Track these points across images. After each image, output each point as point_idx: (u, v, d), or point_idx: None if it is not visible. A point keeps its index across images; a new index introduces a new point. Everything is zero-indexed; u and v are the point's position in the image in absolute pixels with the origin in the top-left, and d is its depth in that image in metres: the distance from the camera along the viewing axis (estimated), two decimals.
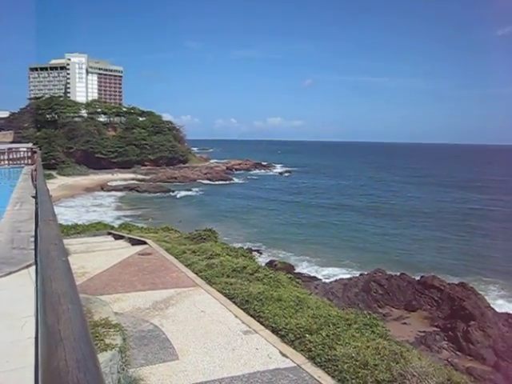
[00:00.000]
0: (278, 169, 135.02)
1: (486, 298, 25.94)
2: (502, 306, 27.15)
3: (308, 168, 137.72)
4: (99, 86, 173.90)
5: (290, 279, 10.82)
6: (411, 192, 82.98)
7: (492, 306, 25.11)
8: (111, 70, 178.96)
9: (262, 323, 7.64)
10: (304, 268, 34.40)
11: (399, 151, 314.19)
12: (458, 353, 21.09)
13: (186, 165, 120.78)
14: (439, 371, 5.82)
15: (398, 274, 29.31)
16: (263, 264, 21.31)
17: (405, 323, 24.07)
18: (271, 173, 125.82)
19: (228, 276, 10.07)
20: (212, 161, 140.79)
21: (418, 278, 28.43)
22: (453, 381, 5.62)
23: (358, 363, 6.02)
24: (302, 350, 6.67)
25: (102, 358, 4.63)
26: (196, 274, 10.57)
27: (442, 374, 5.76)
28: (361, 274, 29.32)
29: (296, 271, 31.47)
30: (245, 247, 26.71)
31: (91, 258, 11.97)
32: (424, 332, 22.73)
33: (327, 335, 6.80)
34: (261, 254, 37.48)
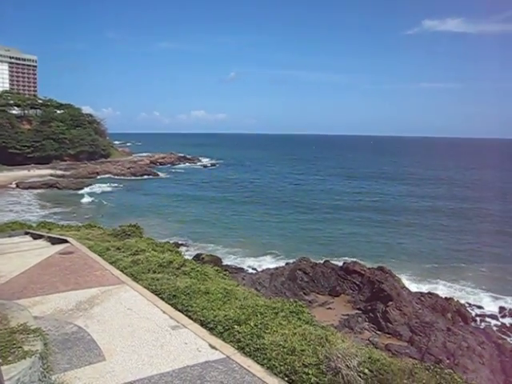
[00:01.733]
0: (203, 162, 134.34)
1: (401, 279, 27.78)
2: (415, 286, 29.21)
3: (232, 160, 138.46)
4: (11, 75, 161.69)
5: (217, 272, 10.84)
6: (332, 184, 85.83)
7: (407, 286, 26.96)
8: (24, 59, 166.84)
9: (190, 317, 7.61)
10: (232, 260, 34.68)
11: (318, 143, 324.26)
12: (378, 332, 22.38)
13: (108, 159, 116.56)
14: (361, 351, 6.15)
15: (322, 261, 30.48)
16: (190, 258, 21.20)
17: (329, 308, 25.11)
18: (196, 166, 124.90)
19: (154, 272, 9.91)
20: (135, 155, 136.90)
21: (340, 264, 29.71)
22: (373, 358, 5.96)
23: (285, 350, 6.20)
24: (231, 341, 6.73)
25: (21, 366, 4.38)
26: (121, 271, 10.28)
27: (363, 353, 6.09)
28: (287, 264, 30.11)
29: (223, 263, 31.63)
30: (171, 242, 26.40)
31: (7, 261, 11.22)
32: (347, 315, 23.86)
33: (255, 325, 6.92)
34: (187, 248, 37.22)
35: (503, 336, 23.04)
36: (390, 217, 53.88)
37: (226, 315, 7.31)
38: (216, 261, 30.36)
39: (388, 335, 22.13)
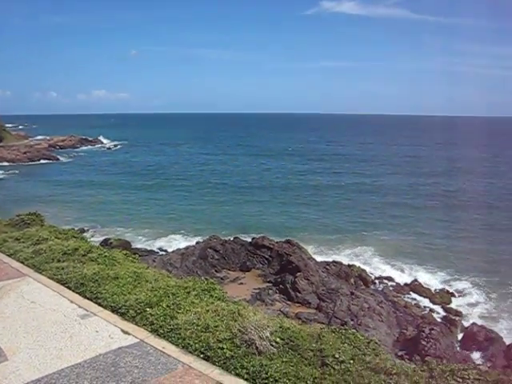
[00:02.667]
0: (106, 144, 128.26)
1: (308, 250, 29.16)
2: (320, 256, 30.84)
3: (136, 141, 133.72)
4: None
5: (126, 256, 10.59)
6: (240, 163, 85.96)
7: (313, 257, 28.38)
8: None
9: (100, 304, 7.41)
10: (141, 243, 33.94)
11: (226, 121, 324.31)
12: (288, 302, 23.39)
13: (1, 144, 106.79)
14: (272, 321, 6.45)
15: (232, 238, 30.95)
16: (97, 243, 20.41)
17: (241, 283, 25.70)
18: (99, 148, 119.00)
19: (59, 260, 9.44)
20: (32, 138, 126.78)
21: (249, 240, 30.38)
22: (283, 327, 6.29)
23: (199, 328, 6.31)
24: (144, 325, 6.69)
25: None
26: (21, 262, 9.67)
27: (274, 323, 6.39)
28: (197, 243, 30.14)
29: (133, 247, 30.90)
30: (76, 228, 25.18)
31: None
32: (259, 289, 24.60)
33: (168, 306, 6.93)
34: (94, 233, 35.75)
35: (398, 294, 25.40)
36: (294, 193, 55.69)
37: (137, 299, 7.23)
38: (125, 245, 29.56)
39: (298, 304, 23.24)
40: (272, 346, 5.81)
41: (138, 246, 32.75)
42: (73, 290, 8.03)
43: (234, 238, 30.96)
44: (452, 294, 25.90)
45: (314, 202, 50.64)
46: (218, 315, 6.61)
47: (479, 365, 15.18)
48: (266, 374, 5.32)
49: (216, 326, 6.27)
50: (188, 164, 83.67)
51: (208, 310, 6.77)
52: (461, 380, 7.07)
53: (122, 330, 6.55)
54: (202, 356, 5.89)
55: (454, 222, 41.92)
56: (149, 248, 32.44)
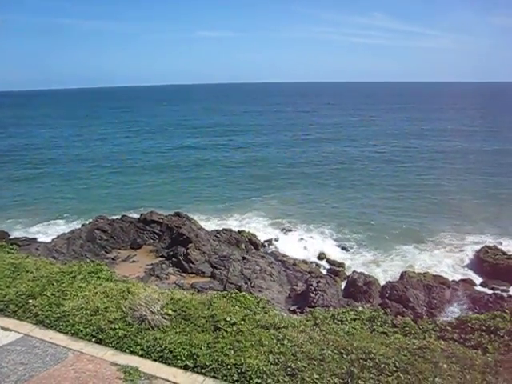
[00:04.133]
0: None
1: (198, 221, 29.38)
2: (211, 225, 31.28)
3: None
4: None
5: (1, 247, 9.83)
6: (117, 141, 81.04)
7: (203, 227, 28.69)
8: None
9: None
10: (21, 232, 31.29)
11: (110, 96, 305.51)
12: (183, 274, 23.52)
13: None
14: (163, 295, 6.51)
15: (119, 216, 29.97)
16: None
17: (133, 261, 25.16)
18: None
19: None
20: None
21: (137, 216, 29.70)
22: (175, 299, 6.40)
23: (88, 311, 6.16)
24: (27, 318, 6.35)
25: None
26: None
27: (165, 296, 6.46)
28: (83, 225, 28.72)
29: (12, 237, 28.50)
30: None
31: None
32: (152, 264, 24.32)
33: (52, 294, 6.64)
34: None
35: (286, 253, 26.88)
36: (178, 169, 54.73)
37: (17, 291, 6.81)
38: (1, 235, 27.15)
39: (192, 275, 23.48)
40: (164, 318, 5.89)
41: (18, 235, 30.21)
42: None
43: (122, 216, 30.00)
44: (335, 248, 28.12)
45: (201, 176, 50.51)
46: (108, 296, 6.50)
47: (358, 306, 16.88)
48: (161, 346, 5.41)
49: (106, 308, 6.17)
50: (61, 144, 77.64)
51: (96, 293, 6.62)
52: (340, 322, 7.91)
53: (2, 328, 6.15)
54: (93, 340, 5.78)
55: (334, 185, 44.92)
56: (30, 236, 30.07)
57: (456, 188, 42.07)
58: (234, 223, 32.28)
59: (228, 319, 6.05)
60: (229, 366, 5.50)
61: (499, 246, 26.96)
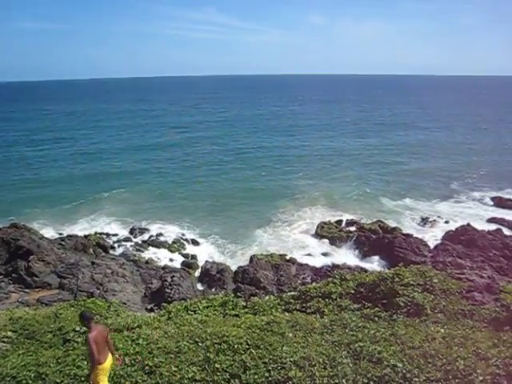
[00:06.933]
0: None
1: (39, 231, 27.06)
2: (53, 233, 29.05)
3: None
4: None
5: None
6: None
7: (45, 236, 26.51)
8: None
9: None
10: None
11: None
12: (26, 290, 21.46)
13: None
14: (0, 317, 5.99)
15: None
16: None
17: None
18: None
19: None
20: None
21: None
22: (14, 318, 5.93)
23: None
24: None
25: None
26: None
27: (2, 318, 5.96)
28: None
29: None
30: None
31: None
32: None
33: None
34: None
35: (137, 252, 26.35)
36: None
37: None
38: None
39: (38, 289, 21.55)
40: (3, 342, 5.44)
41: None
42: None
43: None
44: (186, 241, 28.39)
45: (32, 178, 45.80)
46: None
47: (213, 294, 17.50)
48: (1, 374, 4.98)
49: None
50: None
51: None
52: (193, 312, 8.18)
53: None
54: None
55: (181, 180, 44.94)
56: None
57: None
58: (79, 227, 30.47)
59: (78, 329, 5.84)
60: (82, 378, 5.32)
61: (332, 221, 30.22)
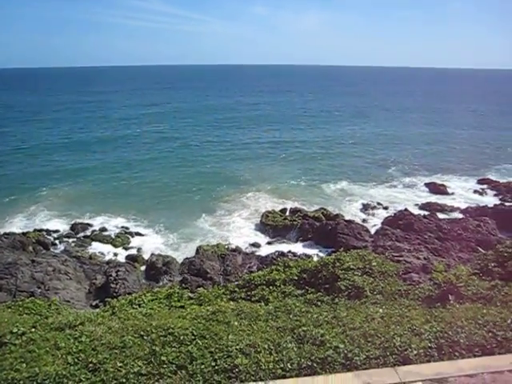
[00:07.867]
0: None
1: None
2: None
3: None
4: None
5: None
6: None
7: None
8: None
9: None
10: None
11: None
12: None
13: None
14: None
15: None
16: None
17: None
18: None
19: None
20: None
21: None
22: None
23: None
24: None
25: None
26: None
27: None
28: None
29: None
30: None
31: None
32: None
33: None
34: None
35: (80, 248, 25.50)
36: None
37: None
38: None
39: None
40: None
41: None
42: None
43: None
44: (130, 235, 27.81)
45: None
46: None
47: (159, 287, 17.35)
48: None
49: None
50: None
51: None
52: (138, 306, 8.13)
53: None
54: None
55: (126, 173, 43.85)
56: None
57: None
58: (17, 224, 29.07)
59: (15, 331, 5.65)
60: (21, 382, 5.14)
61: (277, 209, 30.68)
